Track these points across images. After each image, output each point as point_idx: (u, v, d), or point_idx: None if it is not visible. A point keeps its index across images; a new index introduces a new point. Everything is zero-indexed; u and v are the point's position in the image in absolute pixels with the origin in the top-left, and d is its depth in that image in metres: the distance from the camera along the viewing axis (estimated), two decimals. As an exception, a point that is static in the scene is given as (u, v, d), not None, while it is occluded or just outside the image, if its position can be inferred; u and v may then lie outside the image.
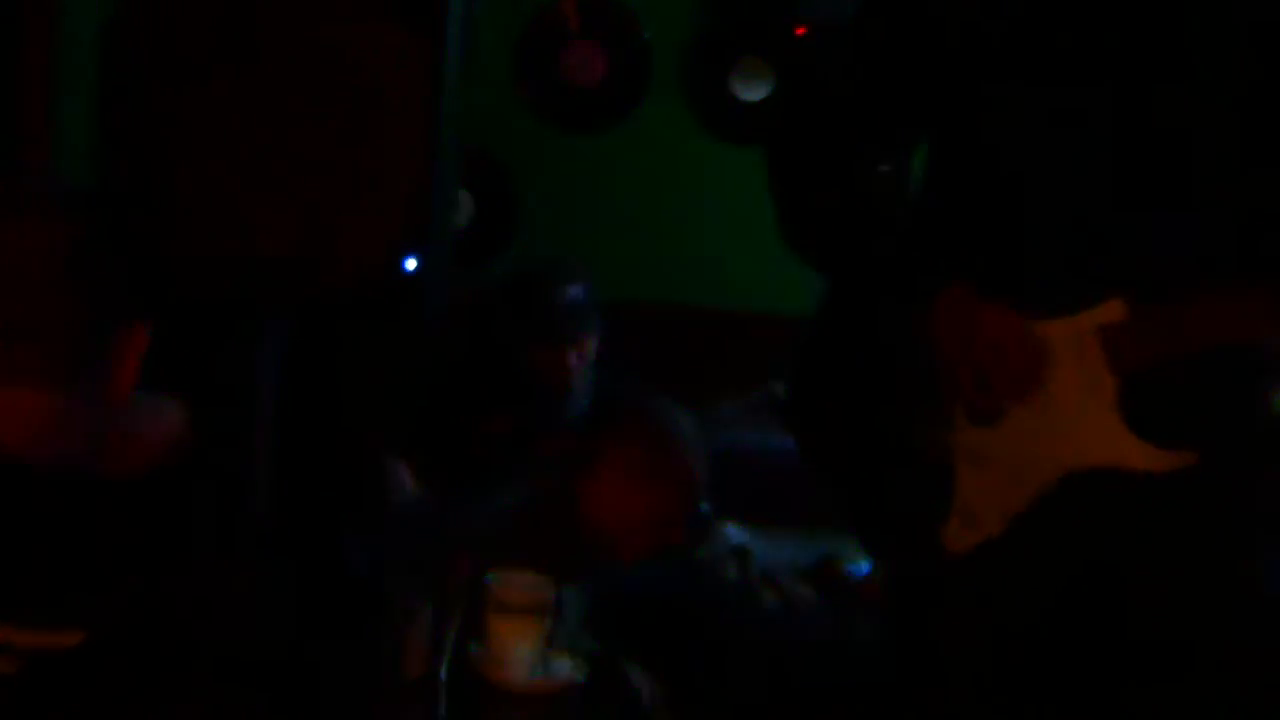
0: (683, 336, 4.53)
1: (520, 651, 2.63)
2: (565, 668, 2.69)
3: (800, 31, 4.57)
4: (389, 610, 2.49)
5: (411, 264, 2.56)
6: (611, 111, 4.73)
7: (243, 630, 1.34)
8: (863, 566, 3.17)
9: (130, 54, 2.54)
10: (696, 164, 4.72)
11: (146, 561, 1.32)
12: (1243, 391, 2.25)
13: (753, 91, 4.67)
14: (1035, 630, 2.30)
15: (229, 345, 2.68)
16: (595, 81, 4.69)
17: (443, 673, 2.49)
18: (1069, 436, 2.23)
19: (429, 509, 3.48)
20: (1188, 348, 2.18)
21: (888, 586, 2.75)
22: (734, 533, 3.30)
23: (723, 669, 2.89)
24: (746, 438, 3.64)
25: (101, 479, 1.46)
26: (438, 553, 2.70)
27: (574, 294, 4.02)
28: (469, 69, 3.31)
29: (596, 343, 4.03)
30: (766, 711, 2.84)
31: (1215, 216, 2.20)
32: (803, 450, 2.44)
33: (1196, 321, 2.18)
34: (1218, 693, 2.21)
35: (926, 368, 2.27)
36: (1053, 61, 2.21)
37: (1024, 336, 2.21)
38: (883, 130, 2.40)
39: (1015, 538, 2.26)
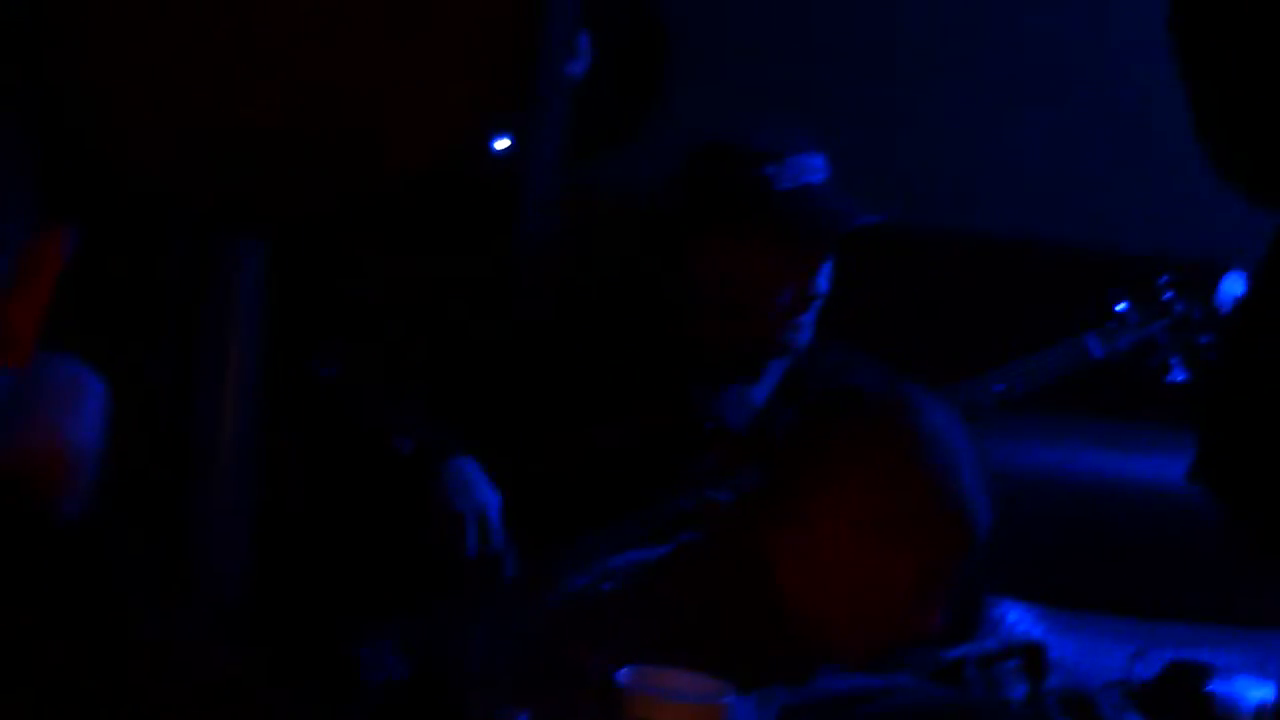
0: (937, 280, 3.18)
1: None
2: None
3: None
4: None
5: (502, 144, 2.00)
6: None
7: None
8: (1242, 686, 2.34)
9: None
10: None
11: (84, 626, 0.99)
12: None
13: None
14: None
15: (187, 283, 2.02)
16: None
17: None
18: None
19: (520, 569, 2.51)
20: None
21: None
22: (1021, 619, 2.46)
23: None
24: (1039, 453, 2.76)
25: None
26: (540, 640, 2.06)
27: (807, 171, 2.47)
28: None
29: (828, 279, 2.56)
30: None
31: None
32: (1224, 514, 1.92)
33: None
34: None
35: None
36: None
37: None
38: None
39: None
